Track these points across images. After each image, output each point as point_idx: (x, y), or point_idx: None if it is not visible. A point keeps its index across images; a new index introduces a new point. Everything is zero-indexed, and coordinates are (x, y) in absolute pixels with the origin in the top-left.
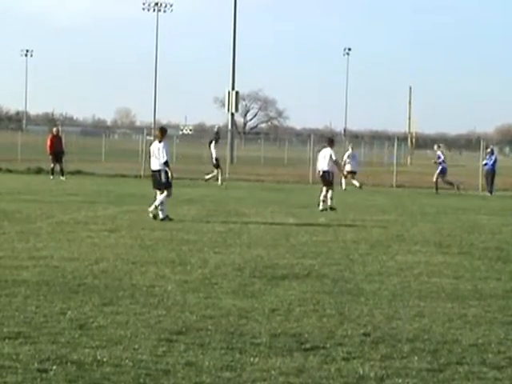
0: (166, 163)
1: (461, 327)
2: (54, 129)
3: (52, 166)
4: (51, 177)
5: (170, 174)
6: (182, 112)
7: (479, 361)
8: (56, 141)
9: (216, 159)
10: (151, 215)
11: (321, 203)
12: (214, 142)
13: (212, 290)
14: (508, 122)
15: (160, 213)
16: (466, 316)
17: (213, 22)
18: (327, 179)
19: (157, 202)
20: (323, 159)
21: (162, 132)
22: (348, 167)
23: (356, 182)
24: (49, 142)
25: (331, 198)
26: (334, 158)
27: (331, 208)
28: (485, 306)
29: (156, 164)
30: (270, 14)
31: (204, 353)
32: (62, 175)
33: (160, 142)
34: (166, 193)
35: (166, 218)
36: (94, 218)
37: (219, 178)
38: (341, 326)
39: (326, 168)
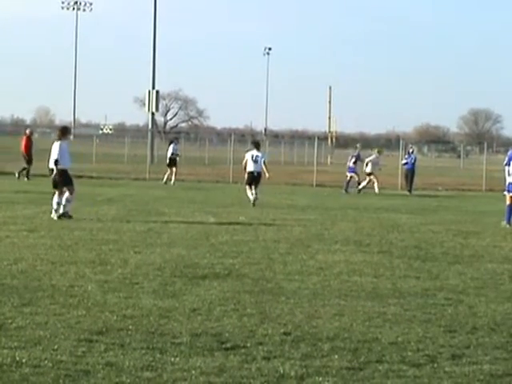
0: (55, 162)
1: (380, 325)
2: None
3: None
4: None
5: (57, 173)
6: (102, 111)
7: (398, 359)
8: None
9: (170, 159)
10: (55, 217)
11: (251, 197)
12: (173, 142)
13: (132, 290)
14: (426, 122)
15: (61, 208)
16: (386, 314)
17: (133, 21)
18: (258, 179)
19: (62, 202)
20: (252, 161)
21: (62, 131)
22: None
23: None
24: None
25: (256, 194)
26: (265, 160)
27: (253, 203)
28: (404, 304)
29: (51, 163)
30: (190, 13)
31: (124, 353)
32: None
33: (58, 140)
34: (67, 192)
35: (66, 215)
36: (14, 218)
37: (172, 177)
38: (261, 326)
39: (258, 169)
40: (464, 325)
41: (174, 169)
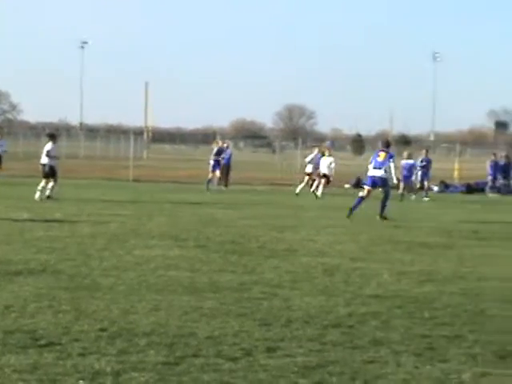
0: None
1: (197, 320)
2: None
3: None
4: None
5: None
6: None
7: (215, 353)
8: None
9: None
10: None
11: (38, 193)
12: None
13: None
14: (243, 117)
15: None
16: (202, 309)
17: None
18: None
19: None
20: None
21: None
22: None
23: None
24: None
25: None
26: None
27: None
28: (220, 298)
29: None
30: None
31: None
32: None
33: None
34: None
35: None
36: None
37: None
38: (77, 322)
39: (46, 162)
40: (279, 318)
41: None
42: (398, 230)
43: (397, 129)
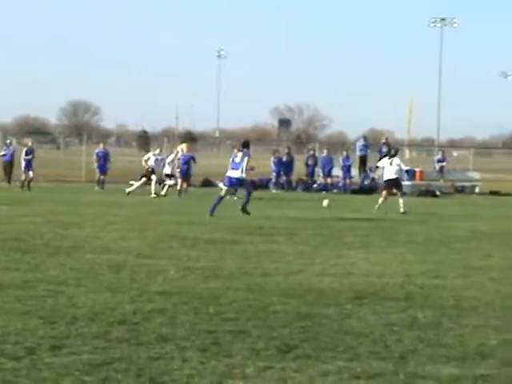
0: None
1: None
2: None
3: None
4: None
5: None
6: None
7: None
8: None
9: None
10: None
11: None
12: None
13: None
14: (27, 113)
15: None
16: None
17: None
18: None
19: None
20: None
21: None
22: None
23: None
24: None
25: None
26: None
27: None
28: (4, 296)
29: None
30: None
31: None
32: None
33: None
34: None
35: None
36: None
37: None
38: None
39: None
40: (64, 315)
41: None
42: (184, 226)
43: (183, 125)
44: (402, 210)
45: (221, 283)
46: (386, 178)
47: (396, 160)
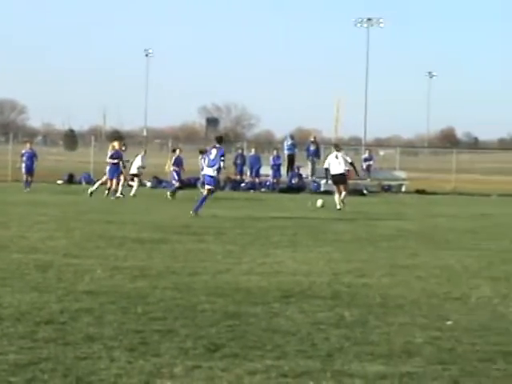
0: None
1: None
2: None
3: None
4: None
5: None
6: None
7: None
8: None
9: None
10: None
11: None
12: None
13: None
14: None
15: None
16: None
17: None
18: None
19: None
20: None
21: None
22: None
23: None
24: None
25: None
26: None
27: None
28: None
29: None
30: None
31: None
32: None
33: None
34: None
35: None
36: None
37: None
38: None
39: None
40: None
41: None
42: (112, 225)
43: (110, 124)
44: (338, 207)
45: (148, 282)
46: (332, 172)
47: (341, 154)
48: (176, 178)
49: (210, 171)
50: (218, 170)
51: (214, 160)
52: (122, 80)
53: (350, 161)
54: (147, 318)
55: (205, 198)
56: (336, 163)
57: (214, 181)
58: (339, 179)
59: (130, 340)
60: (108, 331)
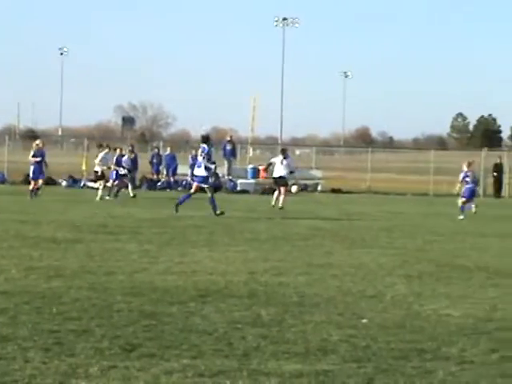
0: None
1: None
2: None
3: None
4: None
5: None
6: None
7: None
8: None
9: None
10: None
11: None
12: None
13: None
14: None
15: None
16: None
17: None
18: None
19: None
20: None
21: None
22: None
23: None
24: None
25: None
26: None
27: None
28: None
29: None
30: None
31: None
32: None
33: None
34: None
35: None
36: None
37: None
38: None
39: None
40: None
41: None
42: (26, 225)
43: (24, 123)
44: (280, 205)
45: (63, 282)
46: (274, 175)
47: (287, 161)
48: (114, 177)
49: (201, 171)
50: (207, 168)
51: (201, 161)
52: (37, 79)
53: (292, 169)
54: (62, 318)
55: (213, 199)
56: (280, 168)
57: (207, 179)
58: (280, 181)
59: (44, 340)
60: (22, 331)
